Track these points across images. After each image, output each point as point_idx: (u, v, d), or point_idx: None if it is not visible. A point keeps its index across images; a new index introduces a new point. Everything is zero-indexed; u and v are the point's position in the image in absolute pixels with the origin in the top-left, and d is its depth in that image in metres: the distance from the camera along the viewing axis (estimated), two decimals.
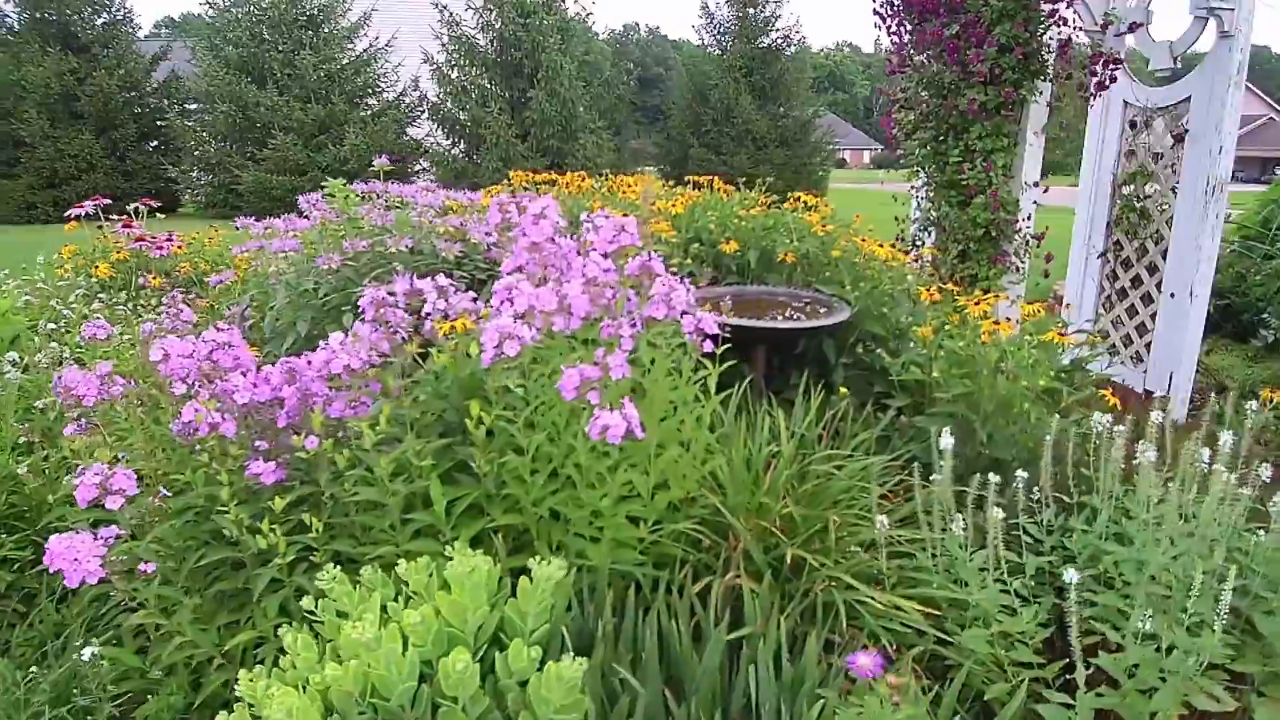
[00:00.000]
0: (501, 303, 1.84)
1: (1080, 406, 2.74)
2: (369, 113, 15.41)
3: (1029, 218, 3.99)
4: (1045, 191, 4.02)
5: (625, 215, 2.09)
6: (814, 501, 2.11)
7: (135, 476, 1.87)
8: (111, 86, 14.83)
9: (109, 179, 15.09)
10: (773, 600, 1.83)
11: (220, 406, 2.03)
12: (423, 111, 15.81)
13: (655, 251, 2.03)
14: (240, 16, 14.79)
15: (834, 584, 1.82)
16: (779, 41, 15.47)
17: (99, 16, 15.22)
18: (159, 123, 15.79)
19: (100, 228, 4.36)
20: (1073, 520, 1.97)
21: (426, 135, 15.66)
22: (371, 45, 15.84)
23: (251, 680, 1.42)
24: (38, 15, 14.48)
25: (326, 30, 15.16)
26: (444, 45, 14.76)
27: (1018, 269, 4.09)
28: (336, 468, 1.83)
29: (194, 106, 15.93)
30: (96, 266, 4.07)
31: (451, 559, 1.72)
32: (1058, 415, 2.22)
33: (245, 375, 2.00)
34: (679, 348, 1.99)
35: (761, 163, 15.35)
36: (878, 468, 2.20)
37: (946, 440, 1.80)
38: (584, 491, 1.84)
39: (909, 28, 4.06)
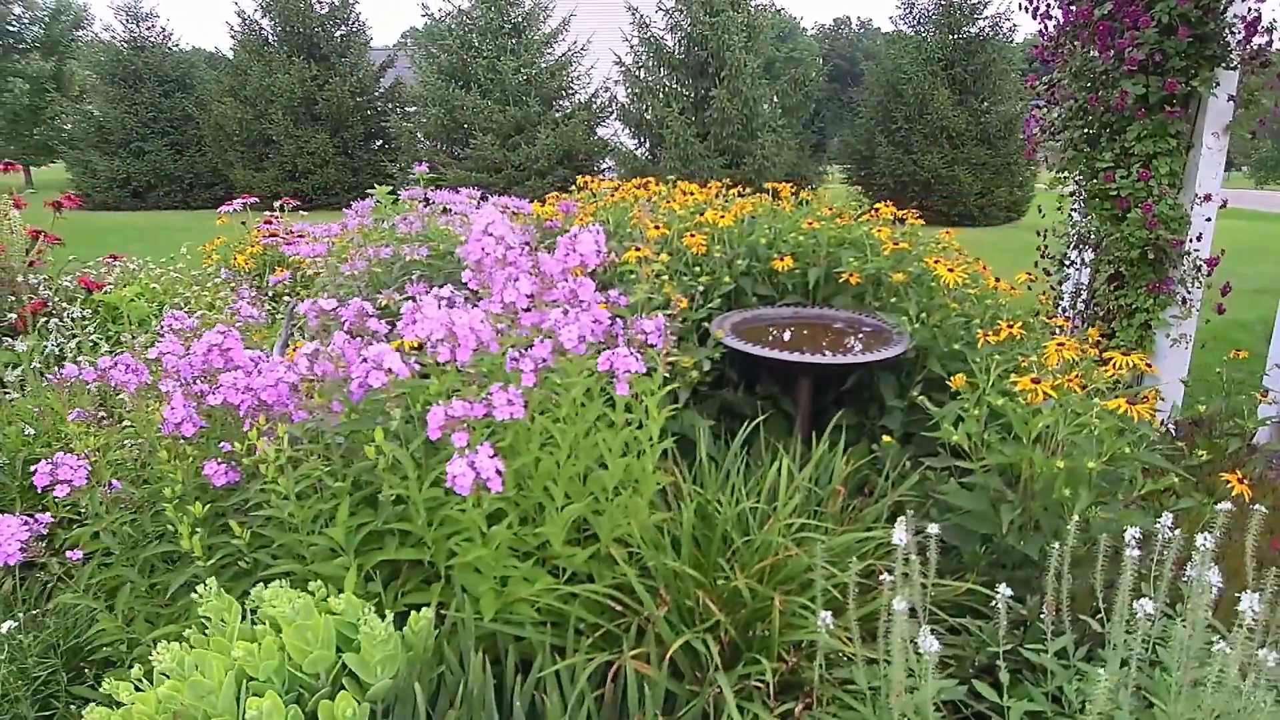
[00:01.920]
0: (404, 328, 1.72)
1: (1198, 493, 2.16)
2: (561, 114, 16.01)
3: (1199, 237, 3.22)
4: (1224, 206, 3.23)
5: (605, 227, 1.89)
6: (774, 578, 1.79)
7: (86, 467, 1.97)
8: (344, 92, 16.61)
9: (339, 174, 16.97)
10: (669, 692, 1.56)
11: (194, 407, 2.10)
12: (612, 112, 16.19)
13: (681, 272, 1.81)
14: (453, 26, 15.94)
15: (740, 690, 1.51)
16: (986, 30, 14.08)
17: (338, 29, 17.08)
18: (383, 124, 17.44)
19: (272, 220, 4.78)
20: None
21: (613, 135, 16.02)
22: (569, 50, 16.46)
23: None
24: (289, 29, 16.51)
25: (528, 36, 15.94)
26: (632, 47, 14.99)
27: (1184, 300, 3.32)
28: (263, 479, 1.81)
29: (412, 109, 17.44)
30: (236, 258, 4.48)
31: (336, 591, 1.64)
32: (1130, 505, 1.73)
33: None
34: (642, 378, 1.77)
35: (957, 162, 14.09)
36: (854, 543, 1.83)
37: (901, 534, 1.42)
38: (475, 537, 1.67)
39: (1058, 8, 3.42)
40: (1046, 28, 3.47)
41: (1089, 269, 3.70)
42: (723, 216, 2.77)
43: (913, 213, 3.11)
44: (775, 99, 15.10)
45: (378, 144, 17.87)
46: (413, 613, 1.69)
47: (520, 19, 15.86)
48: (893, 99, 14.48)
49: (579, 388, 1.72)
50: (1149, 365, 2.24)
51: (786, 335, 2.75)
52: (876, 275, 2.69)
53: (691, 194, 3.25)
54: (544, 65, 16.19)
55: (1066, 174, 3.51)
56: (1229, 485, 2.11)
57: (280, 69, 16.14)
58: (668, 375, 1.93)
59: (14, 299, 3.86)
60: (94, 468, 2.10)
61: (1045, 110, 3.55)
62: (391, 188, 2.92)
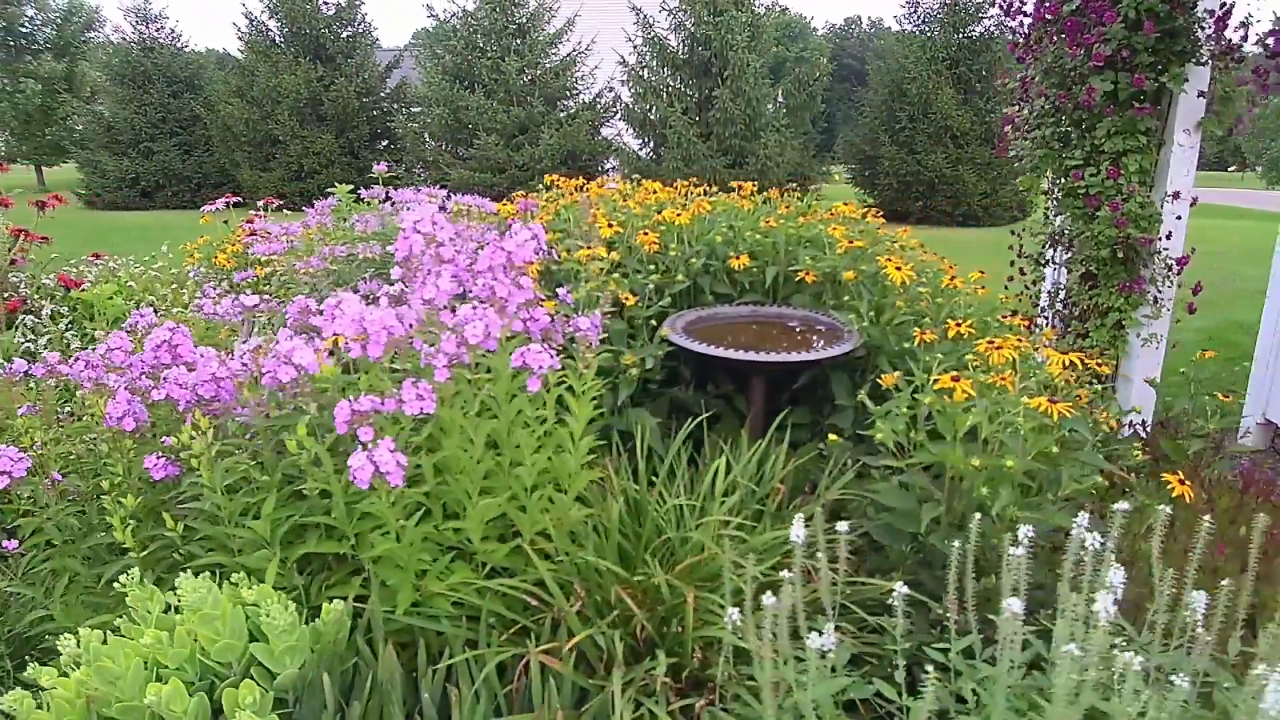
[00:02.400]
0: (324, 324, 1.73)
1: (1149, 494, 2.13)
2: (565, 114, 16.03)
3: (1169, 236, 3.18)
4: (1194, 204, 3.19)
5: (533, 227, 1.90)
6: (696, 575, 1.78)
7: (28, 460, 1.99)
8: (350, 93, 16.69)
9: (345, 174, 17.03)
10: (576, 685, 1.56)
11: (140, 402, 2.12)
12: (616, 112, 16.19)
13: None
14: (458, 27, 15.99)
15: (641, 686, 1.50)
16: (991, 29, 13.98)
17: (344, 30, 17.17)
18: (389, 124, 17.52)
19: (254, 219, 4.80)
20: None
21: (616, 135, 16.03)
22: (574, 50, 16.48)
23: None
24: (295, 30, 16.62)
25: (532, 37, 15.97)
26: (635, 47, 15.00)
27: (1155, 300, 3.28)
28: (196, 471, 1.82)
29: (417, 110, 17.51)
30: (217, 256, 4.51)
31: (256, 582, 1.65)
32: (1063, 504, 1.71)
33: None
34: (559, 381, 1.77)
35: (961, 162, 13.98)
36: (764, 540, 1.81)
37: (798, 532, 1.40)
38: (390, 530, 1.67)
39: (1030, 4, 3.38)
40: (1020, 24, 3.44)
41: (1065, 268, 3.66)
42: (679, 215, 2.76)
43: (874, 211, 3.09)
44: (780, 99, 15.05)
45: (383, 144, 17.95)
46: (325, 604, 1.70)
47: (525, 19, 15.89)
48: (897, 99, 14.39)
49: (500, 384, 1.72)
50: (1101, 364, 2.21)
51: (741, 334, 2.73)
52: (833, 274, 2.68)
53: (655, 193, 3.24)
54: (548, 65, 16.21)
55: (1037, 172, 3.48)
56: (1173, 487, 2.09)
57: (287, 70, 16.25)
58: (613, 372, 1.93)
59: None
60: (40, 460, 2.13)
61: (1017, 108, 3.52)
62: (353, 186, 2.93)
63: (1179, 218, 3.18)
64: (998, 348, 2.07)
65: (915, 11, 14.73)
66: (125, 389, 2.11)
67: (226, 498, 1.80)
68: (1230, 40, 2.96)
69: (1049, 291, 3.83)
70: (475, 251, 1.99)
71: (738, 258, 2.75)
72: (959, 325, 2.32)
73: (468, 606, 1.76)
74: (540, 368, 1.70)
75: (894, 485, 1.91)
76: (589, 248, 2.53)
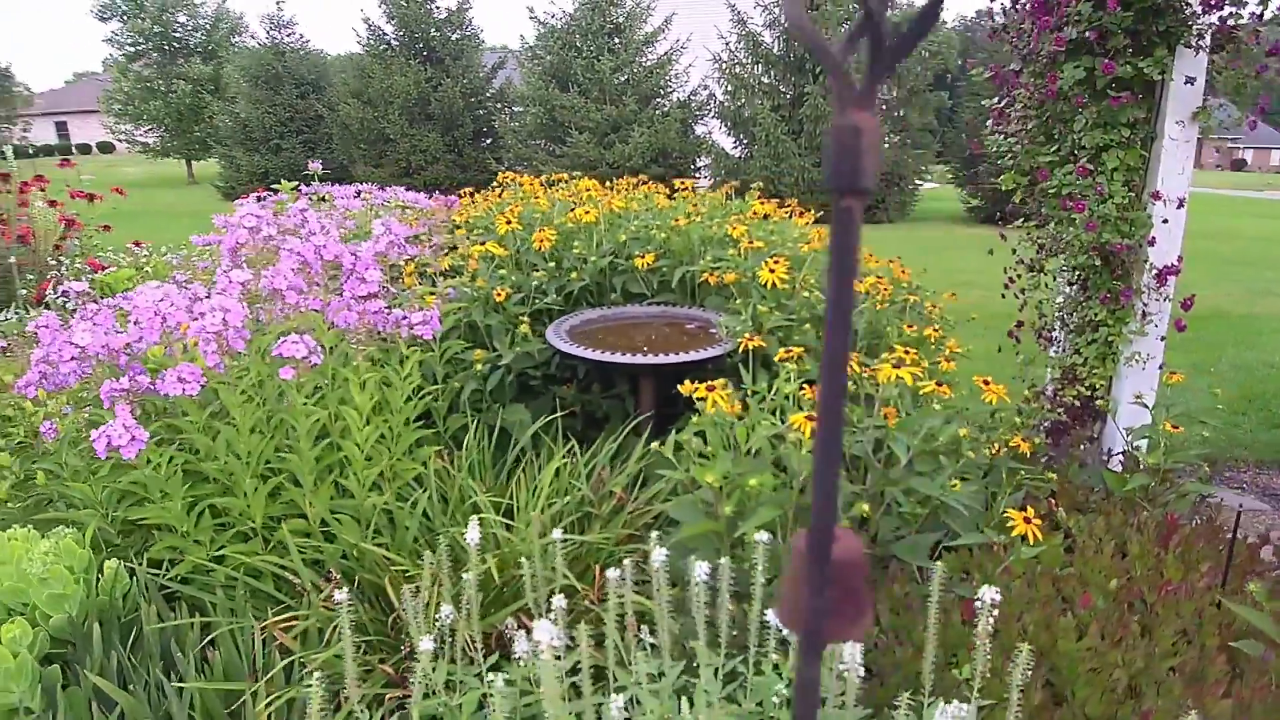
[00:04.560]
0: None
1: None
2: (658, 112, 16.04)
3: (1152, 242, 2.80)
4: (1179, 207, 2.80)
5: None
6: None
7: None
8: (456, 93, 17.40)
9: (449, 171, 17.79)
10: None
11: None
12: (709, 110, 16.07)
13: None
14: (557, 28, 16.33)
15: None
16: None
17: (454, 33, 17.91)
18: (492, 123, 18.14)
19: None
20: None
21: (708, 133, 15.91)
22: (670, 49, 16.47)
23: None
24: (409, 34, 17.48)
25: (628, 36, 16.08)
26: (728, 45, 14.82)
27: (1144, 314, 2.91)
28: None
29: (518, 109, 18.03)
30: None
31: None
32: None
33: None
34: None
35: None
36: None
37: (473, 534, 1.33)
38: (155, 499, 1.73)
39: None
40: (999, 6, 3.13)
41: (1056, 276, 3.32)
42: (588, 213, 2.70)
43: (792, 208, 2.90)
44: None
45: (486, 142, 18.60)
46: (106, 563, 1.79)
47: (621, 19, 16.02)
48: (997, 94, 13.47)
49: (253, 370, 1.74)
50: (940, 385, 1.99)
51: (643, 334, 2.65)
52: (738, 275, 2.54)
53: (588, 190, 3.18)
54: (642, 64, 16.27)
55: (1018, 170, 3.16)
56: (1036, 521, 1.85)
57: (399, 71, 17.11)
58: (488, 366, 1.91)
59: (36, 277, 4.32)
60: None
61: (998, 100, 3.21)
62: (296, 183, 3.05)
63: (1165, 221, 2.81)
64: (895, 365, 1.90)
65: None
66: (41, 362, 2.29)
67: (71, 463, 1.93)
68: (1218, 19, 2.58)
69: (1055, 302, 3.48)
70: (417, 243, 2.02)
71: (642, 257, 2.65)
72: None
73: (241, 582, 1.80)
74: (298, 357, 1.70)
75: (689, 499, 1.79)
76: (481, 244, 2.52)
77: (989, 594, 1.09)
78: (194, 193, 20.64)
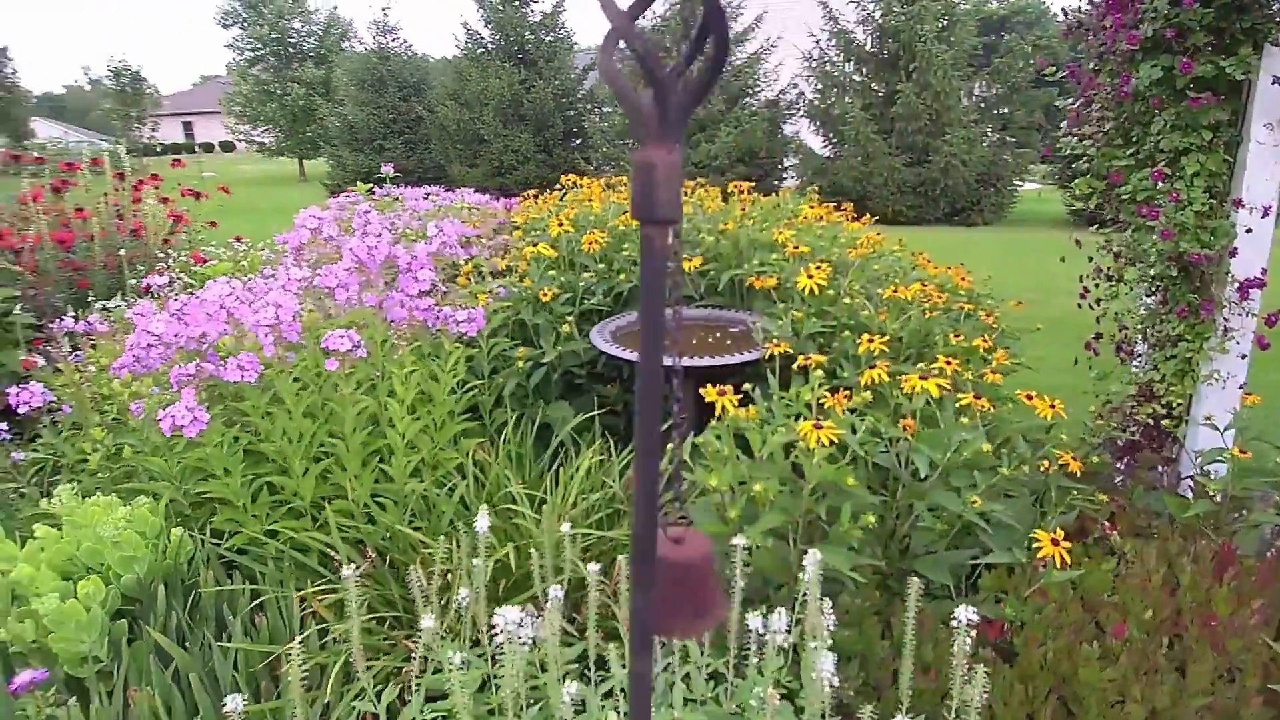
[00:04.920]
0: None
1: None
2: (746, 112, 15.94)
3: (1234, 253, 2.63)
4: (1265, 216, 2.61)
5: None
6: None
7: (49, 394, 2.48)
8: (547, 95, 17.78)
9: (539, 170, 18.19)
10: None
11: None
12: (799, 109, 15.86)
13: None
14: (647, 29, 16.44)
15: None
16: None
17: (547, 36, 18.29)
18: (582, 123, 18.44)
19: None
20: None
21: (797, 133, 15.70)
22: (761, 47, 16.35)
23: None
24: (504, 37, 17.97)
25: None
26: (818, 43, 14.59)
27: (1226, 329, 2.74)
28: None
29: (607, 109, 18.26)
30: None
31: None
32: None
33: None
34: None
35: None
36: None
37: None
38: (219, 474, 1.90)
39: None
40: (1075, 2, 3.00)
41: (1135, 286, 3.16)
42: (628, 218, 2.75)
43: (846, 212, 2.86)
44: (976, 92, 13.94)
45: (576, 142, 18.91)
46: (172, 531, 1.97)
47: None
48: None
49: (308, 361, 1.87)
50: (978, 398, 1.93)
51: (689, 336, 2.68)
52: (777, 280, 2.53)
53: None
54: (732, 63, 16.19)
55: (1097, 174, 3.02)
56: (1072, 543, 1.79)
57: (494, 74, 17.62)
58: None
59: (145, 268, 4.71)
60: (78, 398, 2.64)
61: (1074, 101, 3.07)
62: (370, 185, 3.22)
63: (1249, 230, 2.63)
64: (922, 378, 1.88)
65: None
66: (134, 347, 2.54)
67: (152, 440, 2.13)
68: None
69: (1137, 313, 3.31)
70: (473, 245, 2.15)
71: (688, 260, 2.69)
72: (871, 341, 2.12)
73: (288, 556, 1.94)
74: (343, 350, 1.82)
75: (705, 501, 1.81)
76: (534, 245, 2.61)
77: (965, 613, 1.09)
78: (304, 190, 21.81)
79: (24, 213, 4.38)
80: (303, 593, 1.77)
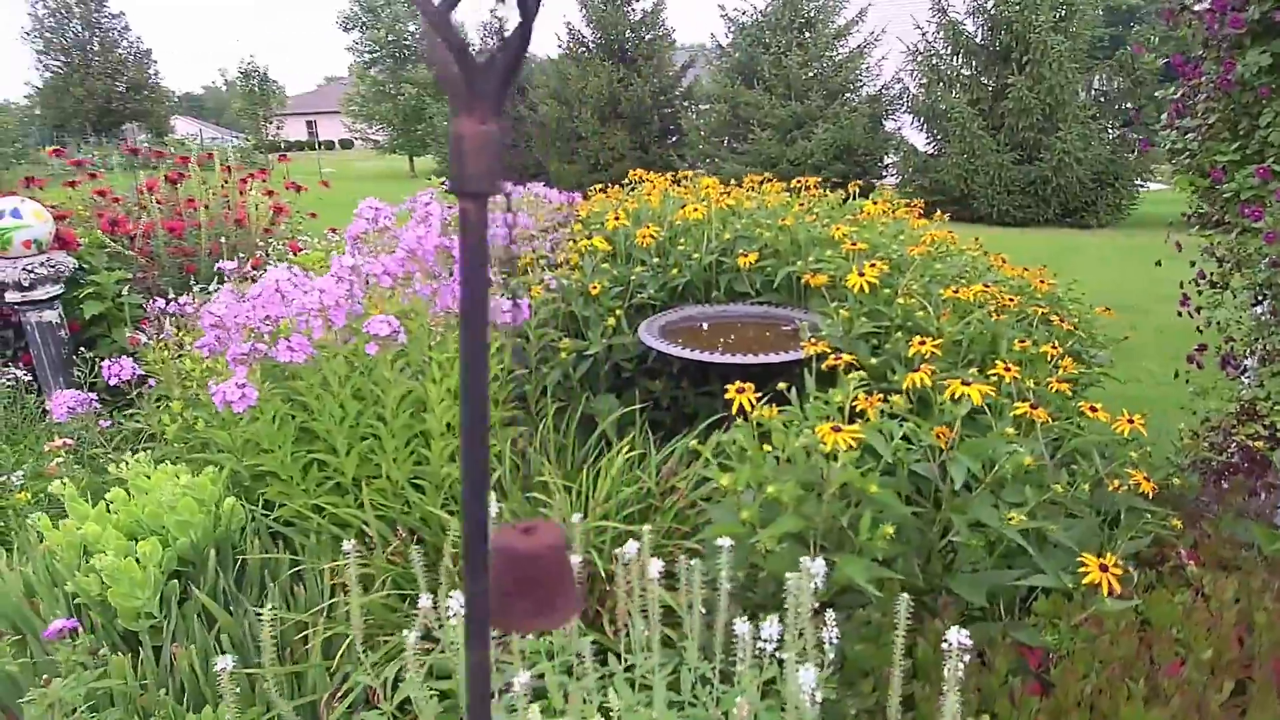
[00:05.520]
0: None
1: None
2: (846, 108, 15.53)
3: None
4: None
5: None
6: None
7: (136, 368, 2.67)
8: (644, 92, 17.86)
9: (634, 166, 18.26)
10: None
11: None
12: (902, 105, 15.34)
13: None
14: (748, 24, 16.28)
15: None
16: None
17: (647, 34, 18.37)
18: (678, 121, 18.44)
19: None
20: None
21: (898, 129, 15.19)
22: (864, 41, 15.91)
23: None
24: (605, 36, 18.16)
25: (820, 30, 15.71)
26: (924, 35, 14.06)
27: None
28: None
29: (705, 107, 18.19)
30: None
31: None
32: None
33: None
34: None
35: None
36: None
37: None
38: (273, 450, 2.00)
39: None
40: None
41: (1246, 294, 2.89)
42: (695, 210, 2.71)
43: (916, 208, 2.73)
44: (1096, 85, 13.10)
45: (672, 140, 18.92)
46: (226, 500, 2.09)
47: (813, 12, 15.67)
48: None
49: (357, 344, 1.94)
50: (1035, 408, 1.80)
51: (741, 333, 2.64)
52: (829, 277, 2.45)
53: (707, 188, 3.18)
54: (833, 59, 15.82)
55: (1198, 170, 2.77)
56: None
57: (593, 73, 17.83)
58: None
59: (246, 255, 5.01)
60: (165, 373, 2.85)
61: (1174, 90, 2.83)
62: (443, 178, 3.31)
63: None
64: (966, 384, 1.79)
65: None
66: (212, 334, 2.71)
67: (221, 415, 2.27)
68: None
69: (1247, 324, 3.03)
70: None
71: (745, 255, 2.64)
72: (923, 343, 2.02)
73: (326, 530, 2.03)
74: (382, 335, 1.88)
75: (727, 502, 1.77)
76: (589, 239, 2.63)
77: (956, 636, 1.01)
78: (411, 185, 22.74)
79: (141, 201, 4.74)
80: (333, 564, 1.84)
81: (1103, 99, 13.16)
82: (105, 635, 1.93)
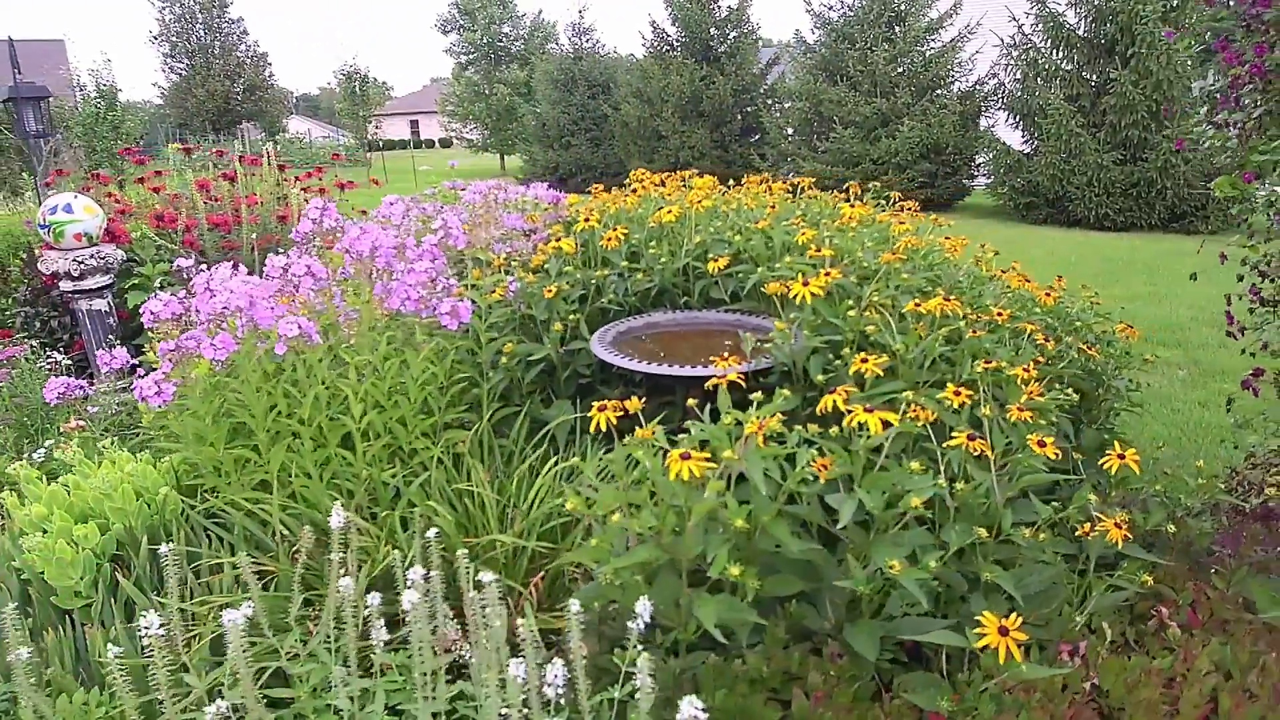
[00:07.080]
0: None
1: None
2: (935, 105, 14.88)
3: None
4: None
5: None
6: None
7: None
8: (726, 91, 17.65)
9: (714, 166, 18.08)
10: None
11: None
12: (996, 102, 14.55)
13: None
14: (834, 20, 15.82)
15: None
16: None
17: (732, 31, 18.14)
18: (759, 119, 18.17)
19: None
20: None
21: (990, 126, 14.41)
22: (957, 36, 15.19)
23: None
24: (690, 34, 18.05)
25: (909, 24, 15.10)
26: (1019, 28, 13.29)
27: None
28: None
29: (787, 105, 17.80)
30: None
31: None
32: None
33: None
34: None
35: None
36: None
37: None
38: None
39: None
40: None
41: None
42: (669, 212, 2.60)
43: (912, 208, 2.52)
44: (1209, 80, 12.03)
45: (753, 138, 18.63)
46: (161, 490, 2.13)
47: (903, 5, 15.07)
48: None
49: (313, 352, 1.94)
50: (973, 439, 1.61)
51: (704, 342, 2.52)
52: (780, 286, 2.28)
53: (692, 189, 3.04)
54: (924, 53, 15.17)
55: (1244, 170, 2.46)
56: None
57: (676, 71, 17.74)
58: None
59: (286, 249, 5.20)
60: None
61: (1213, 81, 2.51)
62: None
63: None
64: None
65: None
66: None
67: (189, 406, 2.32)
68: None
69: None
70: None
71: (715, 260, 2.51)
72: (865, 360, 1.86)
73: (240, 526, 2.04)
74: (290, 335, 1.87)
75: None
76: (555, 242, 2.57)
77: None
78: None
79: (196, 198, 4.99)
80: (231, 560, 1.84)
81: (1217, 96, 12.08)
82: (43, 613, 2.00)
